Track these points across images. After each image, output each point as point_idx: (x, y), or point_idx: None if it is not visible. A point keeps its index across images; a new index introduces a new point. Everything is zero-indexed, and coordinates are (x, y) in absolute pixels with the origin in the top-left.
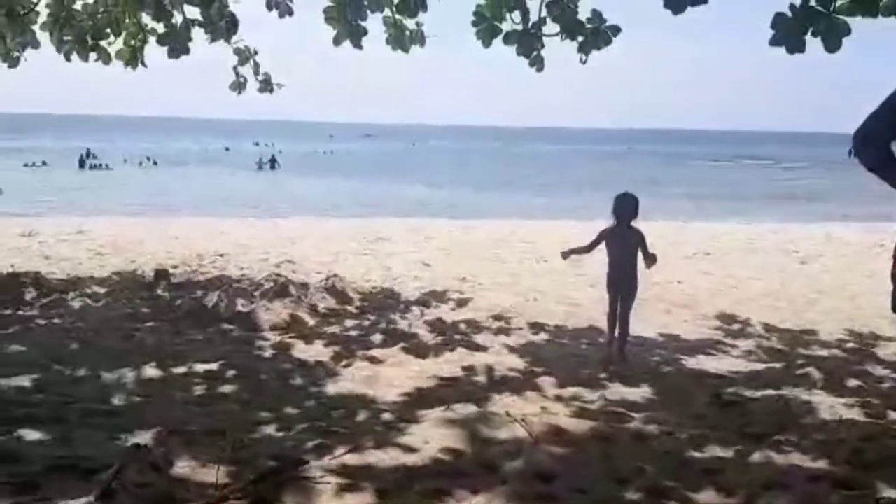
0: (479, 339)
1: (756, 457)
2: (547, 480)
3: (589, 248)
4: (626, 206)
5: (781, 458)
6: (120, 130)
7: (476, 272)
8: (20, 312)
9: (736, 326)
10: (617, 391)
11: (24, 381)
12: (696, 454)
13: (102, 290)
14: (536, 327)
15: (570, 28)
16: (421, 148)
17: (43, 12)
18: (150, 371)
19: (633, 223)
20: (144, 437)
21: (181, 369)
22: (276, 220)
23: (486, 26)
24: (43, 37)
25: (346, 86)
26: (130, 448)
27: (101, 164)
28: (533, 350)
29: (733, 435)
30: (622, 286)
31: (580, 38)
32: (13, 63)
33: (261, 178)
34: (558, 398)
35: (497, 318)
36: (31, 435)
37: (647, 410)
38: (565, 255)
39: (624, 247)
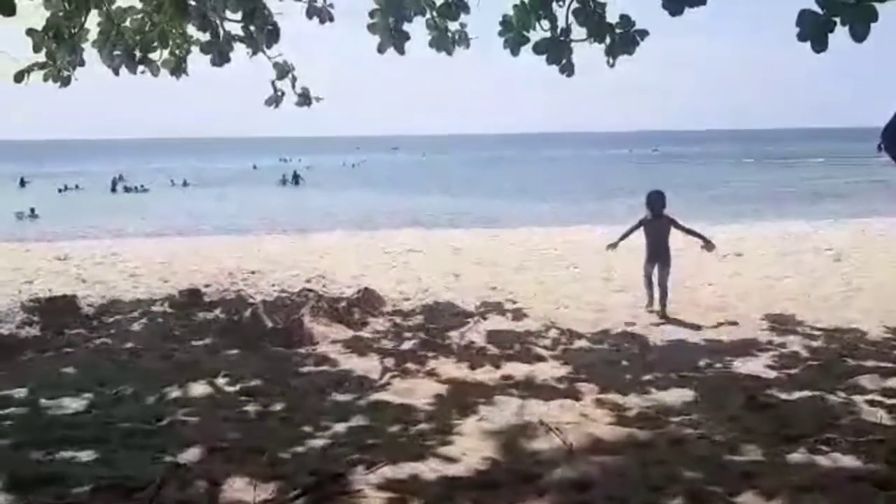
0: (514, 347)
1: (795, 459)
2: (584, 489)
3: (630, 232)
4: (657, 200)
5: (821, 460)
6: (151, 153)
7: (506, 281)
8: (59, 336)
9: (770, 327)
10: (652, 396)
11: (67, 402)
12: (734, 458)
13: (138, 311)
14: (570, 334)
15: (598, 32)
16: (447, 159)
17: (93, 30)
18: (189, 389)
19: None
20: (185, 456)
21: (219, 387)
22: (304, 236)
23: (513, 35)
24: (87, 56)
25: (373, 99)
26: (172, 466)
27: (135, 187)
28: (567, 357)
29: (771, 437)
30: (659, 259)
31: (608, 42)
32: (65, 82)
33: (286, 194)
34: (594, 405)
35: (530, 326)
36: (74, 456)
37: (683, 414)
38: (611, 246)
39: (658, 230)
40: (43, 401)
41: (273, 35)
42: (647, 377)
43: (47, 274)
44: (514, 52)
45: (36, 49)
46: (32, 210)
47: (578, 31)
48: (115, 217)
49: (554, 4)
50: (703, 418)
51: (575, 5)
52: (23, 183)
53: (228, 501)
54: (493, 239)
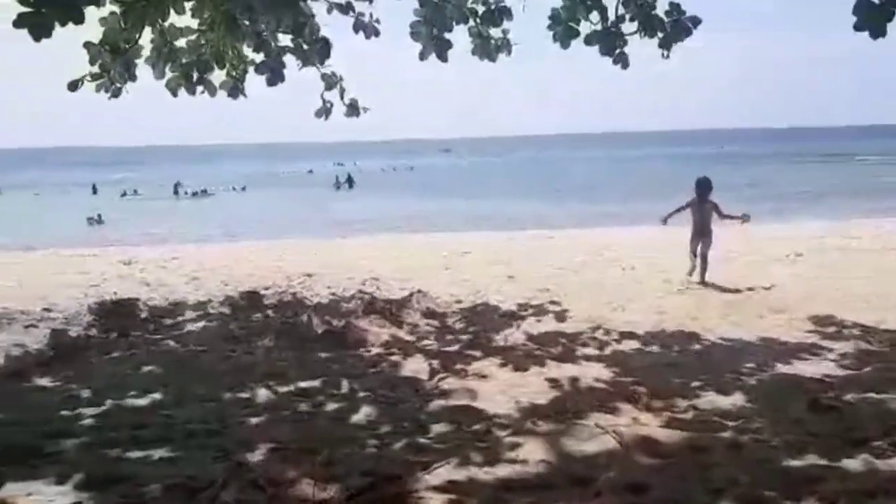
0: (569, 350)
1: (858, 464)
2: (640, 492)
3: (679, 210)
4: (704, 186)
5: (885, 465)
6: (208, 159)
7: (560, 283)
8: (124, 337)
9: (832, 329)
10: (709, 398)
11: (131, 402)
12: (794, 462)
13: (199, 314)
14: (625, 336)
15: (649, 23)
16: (501, 160)
17: (147, 46)
18: (248, 390)
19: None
20: (245, 456)
21: (278, 388)
22: (357, 238)
23: (563, 28)
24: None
25: (424, 103)
26: (232, 466)
27: (200, 191)
28: (623, 359)
29: (833, 441)
30: (702, 237)
31: (660, 34)
32: (115, 94)
33: (339, 197)
34: (649, 408)
35: (587, 328)
36: (141, 455)
37: (741, 418)
38: (664, 219)
39: (703, 212)
40: (109, 401)
41: (325, 50)
42: (704, 379)
43: (113, 278)
44: (564, 45)
45: (91, 61)
46: (99, 216)
47: (631, 24)
48: (177, 221)
49: None
50: (761, 421)
51: None
52: (95, 190)
53: (287, 501)
54: (547, 240)
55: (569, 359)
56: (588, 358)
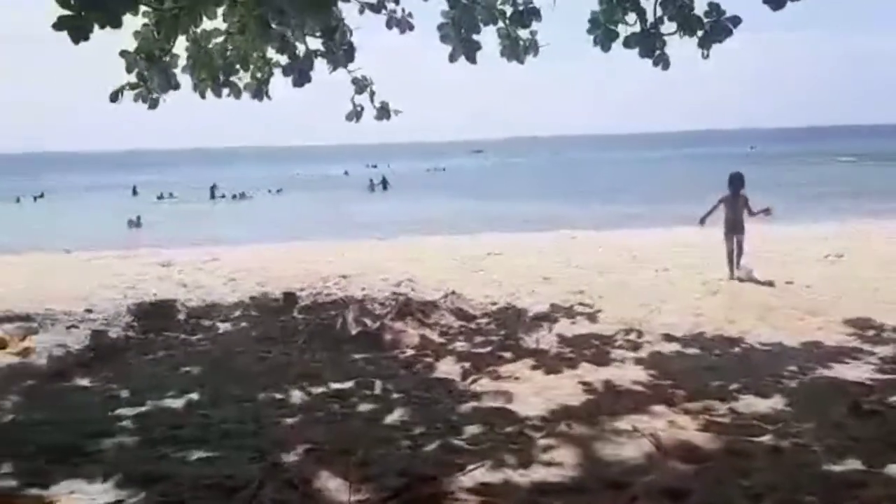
0: (605, 352)
1: None
2: (678, 497)
3: (714, 209)
4: (736, 181)
5: None
6: (245, 163)
7: (594, 284)
8: (162, 338)
9: (873, 332)
10: (747, 402)
11: (169, 403)
12: (836, 467)
13: (236, 315)
14: (662, 338)
15: (688, 24)
16: (534, 161)
17: (182, 55)
18: (284, 391)
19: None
20: (281, 456)
21: (313, 389)
22: (392, 240)
23: (602, 31)
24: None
25: (456, 105)
26: (269, 466)
27: (239, 193)
28: (659, 362)
29: (875, 446)
30: (735, 231)
31: (699, 34)
32: (153, 104)
33: (374, 199)
34: (687, 411)
35: (622, 330)
36: (178, 455)
37: (780, 422)
38: (702, 220)
39: (735, 207)
40: (148, 401)
41: (350, 52)
42: (742, 382)
43: (152, 280)
44: (605, 48)
45: (128, 70)
46: (138, 218)
47: (670, 25)
48: (214, 224)
49: None
50: (801, 425)
51: None
52: (135, 191)
53: (322, 501)
54: (580, 241)
55: (603, 361)
56: (622, 360)
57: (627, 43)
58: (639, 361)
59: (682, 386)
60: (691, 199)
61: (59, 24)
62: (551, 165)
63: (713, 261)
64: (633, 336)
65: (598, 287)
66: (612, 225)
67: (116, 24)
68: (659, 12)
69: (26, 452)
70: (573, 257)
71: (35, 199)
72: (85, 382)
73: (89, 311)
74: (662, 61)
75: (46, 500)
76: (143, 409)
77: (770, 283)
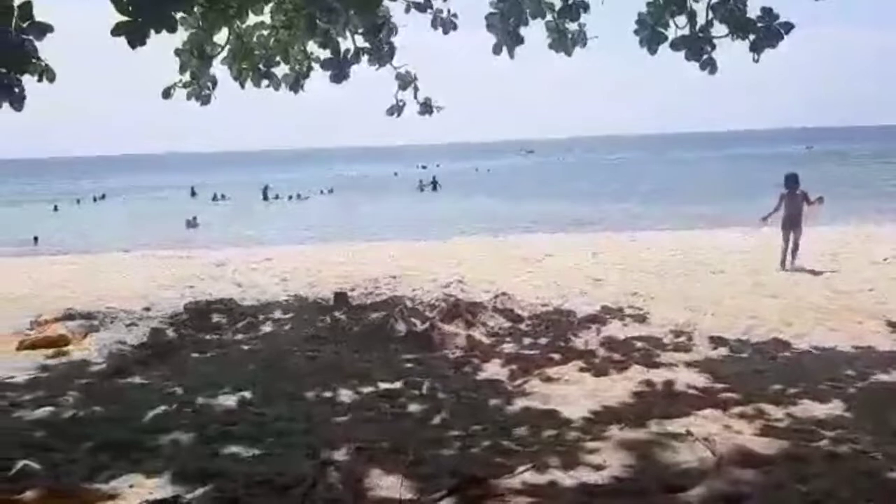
0: (657, 355)
1: None
2: (734, 502)
3: (776, 208)
4: (792, 180)
5: None
6: (296, 164)
7: (648, 286)
8: (218, 336)
9: None
10: (804, 407)
11: (224, 400)
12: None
13: (288, 314)
14: (715, 342)
15: (740, 27)
16: (580, 161)
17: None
18: (334, 390)
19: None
20: (332, 454)
21: (364, 388)
22: (443, 241)
23: (649, 33)
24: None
25: (507, 105)
26: (321, 464)
27: (292, 196)
28: (713, 366)
29: None
30: (793, 226)
31: (751, 38)
32: (205, 101)
33: (423, 199)
34: (742, 416)
35: (674, 332)
36: (231, 452)
37: (838, 427)
38: (765, 219)
39: (793, 202)
40: (203, 398)
41: (391, 50)
42: (799, 386)
43: (208, 279)
44: (652, 51)
45: (182, 69)
46: (195, 218)
47: (720, 28)
48: (268, 224)
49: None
50: (860, 431)
51: (714, 0)
52: (193, 192)
53: (374, 500)
54: (632, 242)
55: (654, 364)
56: (674, 363)
57: (675, 45)
58: (691, 364)
59: (736, 389)
60: (745, 199)
61: (117, 30)
62: (604, 165)
63: (769, 263)
64: (684, 338)
65: (651, 289)
66: (667, 226)
67: (172, 27)
68: (710, 15)
69: (88, 447)
70: (625, 258)
71: (95, 199)
72: (143, 379)
73: (148, 309)
74: (710, 65)
75: (107, 493)
76: (198, 405)
77: (832, 294)
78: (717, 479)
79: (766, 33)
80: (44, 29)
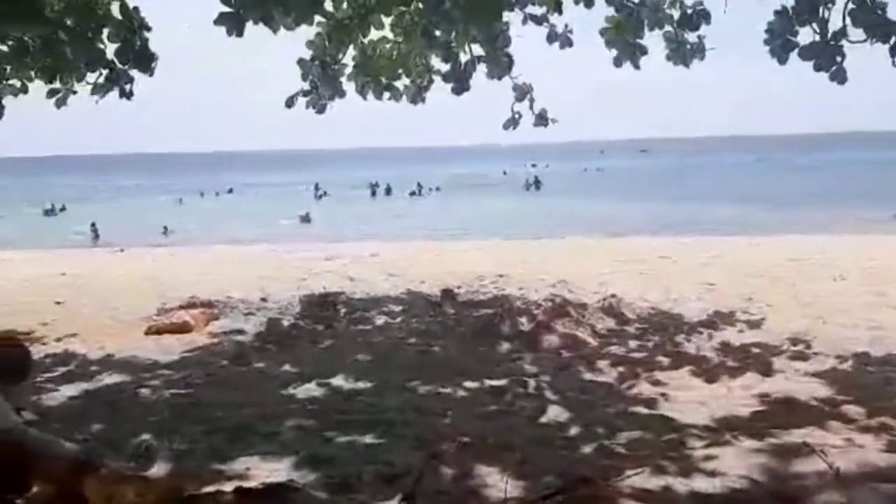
0: (773, 363)
1: None
2: None
3: None
4: None
5: None
6: (402, 161)
7: (765, 292)
8: (329, 328)
9: None
10: None
11: (335, 389)
12: None
13: (397, 309)
14: (836, 352)
15: (881, 31)
16: (697, 162)
17: (349, 63)
18: (442, 385)
19: None
20: (440, 447)
21: (470, 384)
22: (550, 240)
23: (779, 42)
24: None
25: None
26: (428, 457)
27: (412, 192)
28: (833, 376)
29: None
30: None
31: (892, 42)
32: (321, 110)
33: (528, 198)
34: (865, 430)
35: (791, 340)
36: (343, 440)
37: None
38: None
39: None
40: (316, 387)
41: (509, 61)
42: None
43: (320, 273)
44: (781, 61)
45: (304, 77)
46: (307, 214)
47: (856, 33)
48: (375, 220)
49: (821, 7)
50: None
51: (851, 5)
52: (317, 188)
53: (480, 495)
54: (749, 247)
55: (769, 372)
56: (791, 372)
57: (804, 54)
58: (809, 374)
59: (858, 402)
60: (872, 204)
61: (219, 20)
62: (723, 166)
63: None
64: (802, 347)
65: (768, 294)
66: (788, 229)
67: (268, 21)
68: (847, 22)
69: (207, 429)
70: (741, 262)
71: (217, 194)
72: (260, 366)
73: (264, 300)
74: (840, 76)
75: (225, 474)
76: (311, 394)
77: None
78: (835, 492)
79: None
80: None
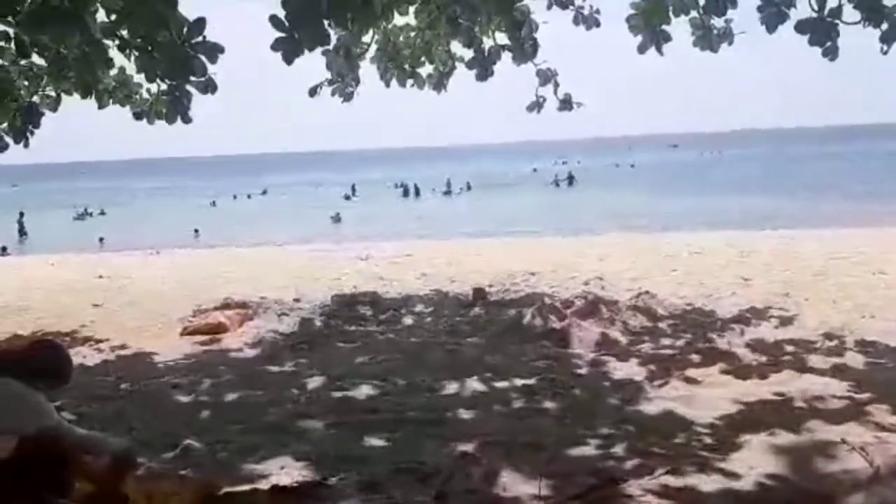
0: (808, 360)
1: None
2: None
3: None
4: None
5: None
6: (431, 160)
7: (801, 287)
8: (361, 328)
9: None
10: None
11: (367, 390)
12: None
13: (428, 308)
14: (873, 348)
15: (874, 15)
16: (729, 156)
17: (371, 48)
18: (473, 384)
19: None
20: (469, 447)
21: (500, 383)
22: (581, 237)
23: (772, 11)
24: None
25: (651, 98)
26: (458, 456)
27: (446, 191)
28: (869, 373)
29: None
30: None
31: (884, 27)
32: (348, 97)
33: (559, 195)
34: None
35: (827, 337)
36: (374, 440)
37: None
38: None
39: None
40: (346, 386)
41: (534, 47)
42: None
43: (352, 272)
44: (770, 30)
45: (328, 67)
46: (338, 214)
47: (851, 14)
48: (404, 219)
49: None
50: None
51: None
52: (353, 190)
53: (509, 494)
54: (786, 241)
55: (803, 369)
56: (826, 369)
57: (800, 27)
58: (844, 370)
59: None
60: None
61: (275, 45)
62: (756, 160)
63: None
64: (838, 343)
65: (804, 289)
66: (824, 223)
67: (325, 41)
68: (843, 1)
69: (242, 428)
70: (777, 257)
71: (249, 196)
72: (293, 366)
73: (297, 300)
74: (832, 52)
75: (260, 472)
76: (343, 393)
77: None
78: (874, 490)
79: None
80: (216, 49)
